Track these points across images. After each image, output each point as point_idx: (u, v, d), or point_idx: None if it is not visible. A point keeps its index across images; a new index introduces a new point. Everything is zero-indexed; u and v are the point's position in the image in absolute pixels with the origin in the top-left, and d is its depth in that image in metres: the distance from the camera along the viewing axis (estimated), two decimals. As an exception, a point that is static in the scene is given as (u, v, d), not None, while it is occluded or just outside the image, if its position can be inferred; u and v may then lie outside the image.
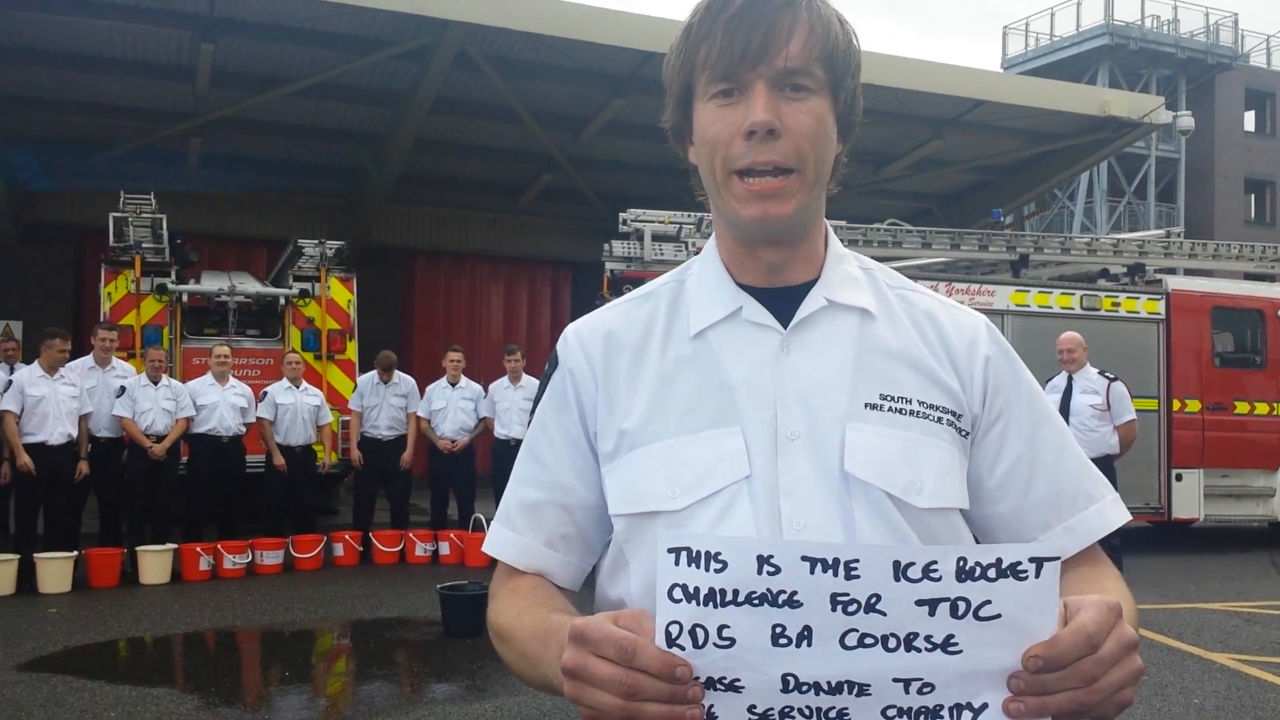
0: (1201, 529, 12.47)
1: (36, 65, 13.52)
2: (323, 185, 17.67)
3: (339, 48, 13.28)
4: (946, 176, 18.92)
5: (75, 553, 9.00)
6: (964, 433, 1.25)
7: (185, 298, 12.00)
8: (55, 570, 8.72)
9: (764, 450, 1.20)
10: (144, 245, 11.73)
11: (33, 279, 16.77)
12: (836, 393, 1.22)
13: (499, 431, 10.59)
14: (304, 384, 10.66)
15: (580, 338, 1.35)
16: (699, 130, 1.26)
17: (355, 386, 11.10)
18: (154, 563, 9.19)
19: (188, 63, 13.53)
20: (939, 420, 1.23)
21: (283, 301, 12.37)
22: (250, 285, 12.60)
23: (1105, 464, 7.77)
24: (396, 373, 10.80)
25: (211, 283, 12.42)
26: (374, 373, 10.79)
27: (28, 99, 14.47)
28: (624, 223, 11.81)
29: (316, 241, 12.50)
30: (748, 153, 1.19)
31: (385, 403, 10.72)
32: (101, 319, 11.28)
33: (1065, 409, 7.87)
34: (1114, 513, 1.29)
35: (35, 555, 8.77)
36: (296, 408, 10.36)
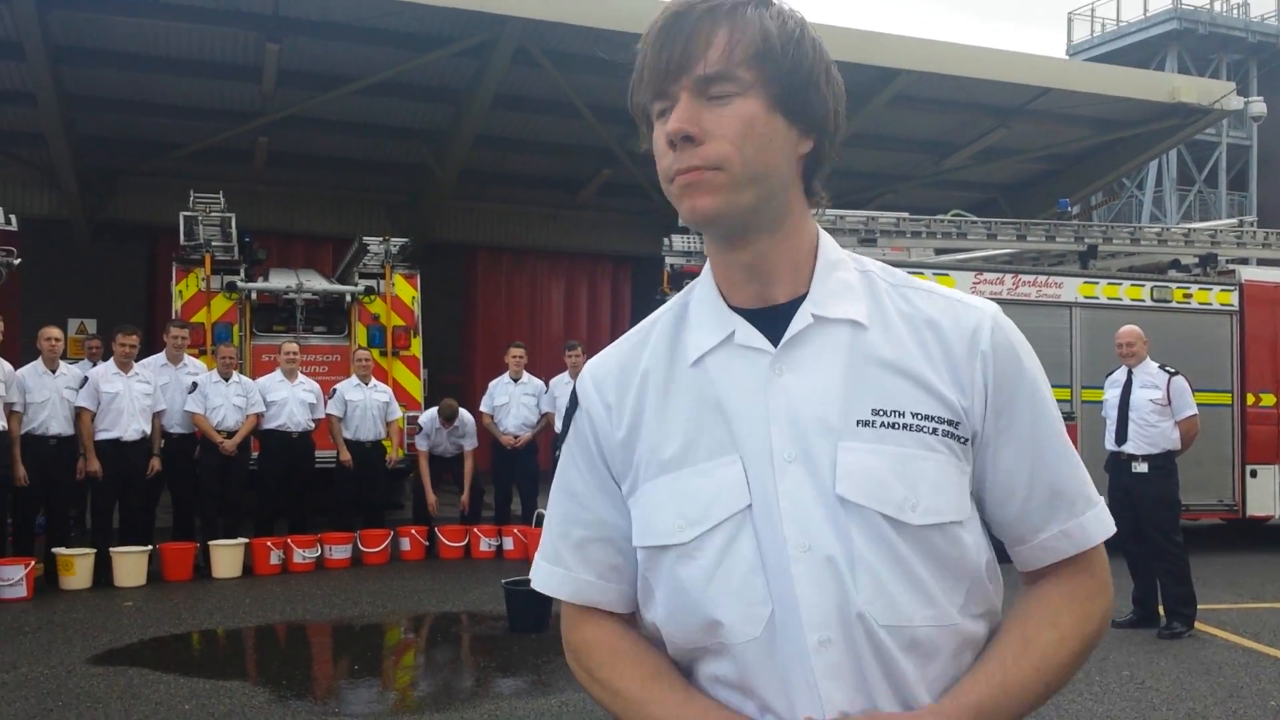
0: (1277, 526, 12.16)
1: (108, 67, 13.83)
2: (386, 182, 17.88)
3: (400, 45, 13.41)
4: (1011, 166, 18.63)
5: (150, 547, 9.21)
6: (963, 439, 1.24)
7: (254, 295, 12.23)
8: (130, 564, 8.93)
9: (762, 476, 1.22)
10: (214, 243, 11.95)
11: (105, 277, 17.17)
12: (828, 411, 1.22)
13: (560, 427, 10.62)
14: (373, 381, 10.81)
15: (594, 378, 1.38)
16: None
17: (419, 422, 11.14)
18: (226, 557, 9.39)
19: (254, 63, 13.76)
20: (933, 431, 1.22)
21: (349, 298, 12.54)
22: (317, 282, 12.80)
23: (1167, 460, 7.63)
24: (460, 414, 10.89)
25: (279, 280, 12.63)
26: (435, 414, 10.88)
27: (99, 100, 14.82)
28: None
29: (381, 239, 12.64)
30: (675, 161, 1.22)
31: (446, 442, 10.90)
32: (173, 316, 11.53)
33: (1125, 404, 7.74)
34: (1108, 521, 1.30)
35: (111, 550, 8.98)
36: (366, 404, 10.51)
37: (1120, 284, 11.28)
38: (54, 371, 8.99)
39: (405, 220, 17.63)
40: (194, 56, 13.83)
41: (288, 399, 10.16)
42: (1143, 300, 11.19)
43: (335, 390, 10.54)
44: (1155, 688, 6.09)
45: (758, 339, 1.26)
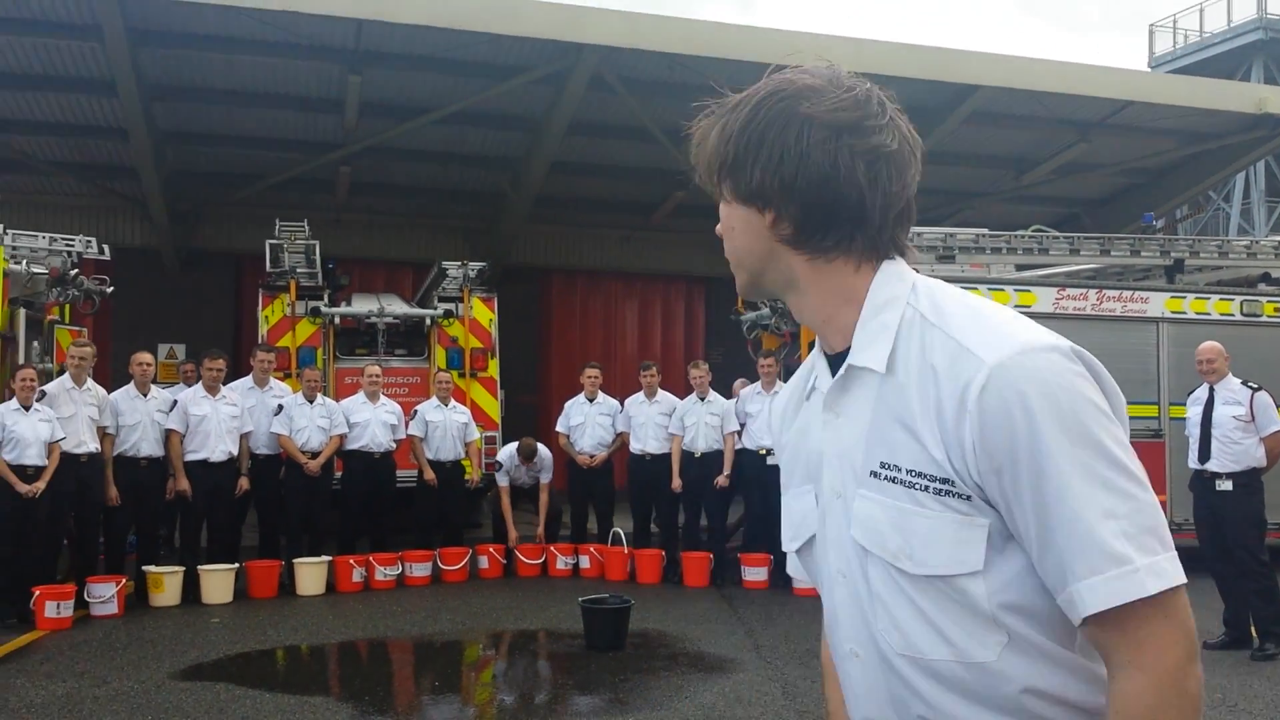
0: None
1: (196, 102, 14.30)
2: (464, 209, 18.17)
3: (478, 75, 13.64)
4: (1093, 181, 18.28)
5: (236, 565, 9.42)
6: (965, 496, 1.22)
7: (337, 320, 12.51)
8: (218, 582, 9.14)
9: (822, 506, 1.39)
10: (298, 270, 12.25)
11: (193, 304, 17.68)
12: (855, 458, 1.31)
13: (634, 446, 10.67)
14: (452, 402, 10.96)
15: (778, 404, 1.59)
16: None
17: (499, 458, 11.19)
18: (310, 574, 9.58)
19: (337, 95, 14.11)
20: (925, 489, 1.23)
21: (428, 322, 12.76)
22: (398, 307, 13.04)
23: (1251, 477, 7.41)
24: (538, 451, 11.00)
25: (361, 305, 12.90)
26: (515, 451, 10.99)
27: (188, 134, 15.32)
28: (758, 237, 11.78)
29: (459, 263, 12.86)
30: None
31: (525, 476, 11.04)
32: (259, 341, 11.84)
33: (1207, 421, 7.55)
34: (1107, 589, 1.14)
35: (199, 568, 9.20)
36: (446, 425, 10.66)
37: (1208, 298, 10.98)
38: (145, 395, 9.28)
39: (482, 245, 17.88)
40: (279, 90, 14.23)
41: (370, 420, 10.34)
42: (1232, 315, 10.88)
43: (416, 411, 10.71)
44: (1248, 710, 5.90)
45: (825, 382, 1.38)
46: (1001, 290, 10.47)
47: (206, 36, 12.65)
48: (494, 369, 12.80)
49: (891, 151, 1.33)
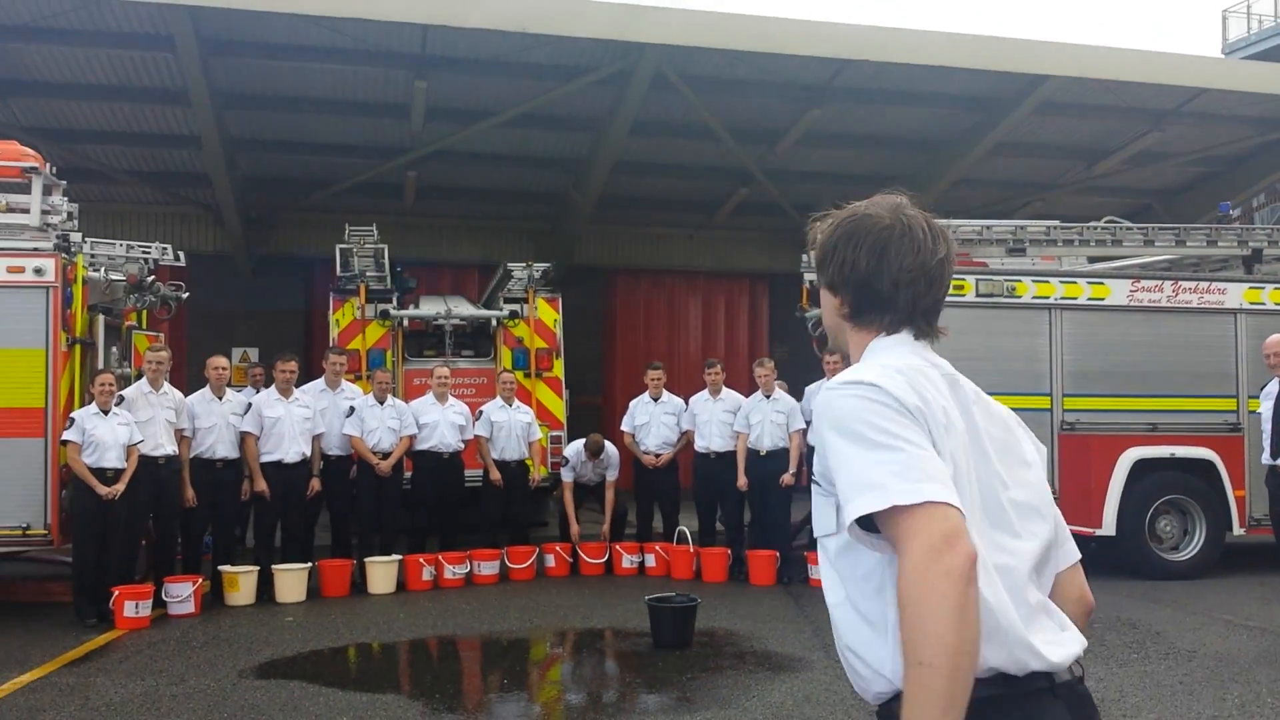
0: None
1: (266, 110, 14.58)
2: (528, 210, 18.30)
3: (541, 77, 13.72)
4: (1166, 170, 17.84)
5: (309, 564, 9.60)
6: (829, 486, 1.80)
7: (405, 322, 12.68)
8: (291, 581, 9.31)
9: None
10: (368, 274, 12.42)
11: (266, 308, 18.03)
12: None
13: (699, 444, 10.65)
14: (516, 402, 11.04)
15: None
16: None
17: (565, 454, 11.26)
18: (381, 573, 9.71)
19: (403, 100, 14.29)
20: (817, 484, 1.85)
21: (494, 323, 12.87)
22: (464, 308, 13.17)
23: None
24: (605, 448, 11.04)
25: (429, 307, 13.06)
26: (582, 447, 11.04)
27: (259, 141, 15.63)
28: (822, 233, 11.67)
29: (524, 264, 12.94)
30: None
31: (591, 472, 11.10)
32: (330, 344, 12.03)
33: (1278, 416, 7.31)
34: (852, 505, 1.67)
35: (273, 567, 9.39)
36: (510, 425, 10.74)
37: (1289, 289, 10.66)
38: (220, 398, 9.48)
39: (546, 246, 17.98)
40: (347, 97, 14.45)
41: (439, 421, 10.45)
42: (1315, 305, 10.56)
43: (481, 412, 10.80)
44: None
45: None
46: (1074, 283, 10.28)
47: (276, 45, 12.90)
48: (559, 369, 12.87)
49: (922, 262, 1.88)
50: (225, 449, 9.41)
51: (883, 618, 1.73)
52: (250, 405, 9.62)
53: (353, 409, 10.12)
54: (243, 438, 9.50)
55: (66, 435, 8.41)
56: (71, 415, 8.54)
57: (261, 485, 9.45)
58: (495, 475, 10.52)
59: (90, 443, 8.40)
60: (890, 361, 1.84)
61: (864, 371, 1.82)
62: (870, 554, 1.74)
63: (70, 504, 8.58)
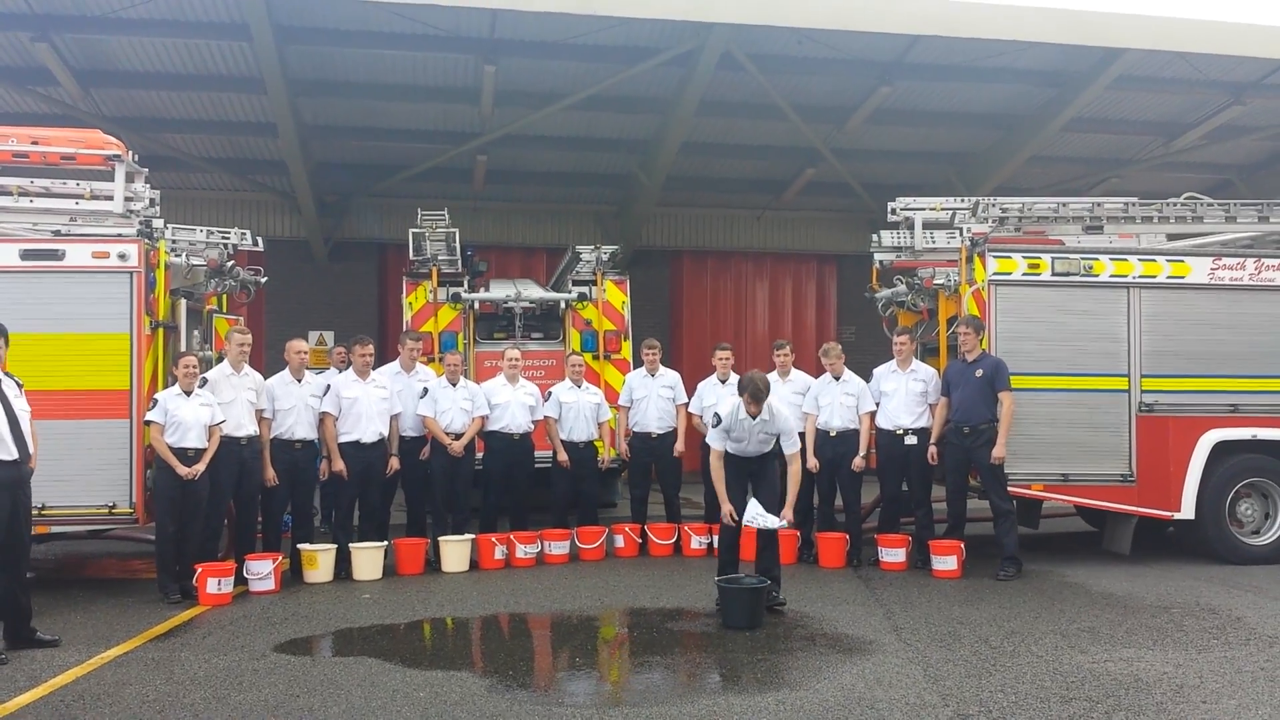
0: None
1: (340, 97, 14.81)
2: (595, 193, 18.36)
3: (609, 60, 13.74)
4: (1247, 145, 17.32)
5: (385, 543, 9.78)
6: (773, 433, 8.08)
7: (476, 305, 12.83)
8: (368, 559, 9.48)
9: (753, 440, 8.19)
10: (440, 258, 12.58)
11: (341, 292, 18.35)
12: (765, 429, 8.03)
13: None
14: (585, 383, 11.10)
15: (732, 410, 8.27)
16: None
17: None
18: (454, 552, 9.86)
19: (473, 85, 14.41)
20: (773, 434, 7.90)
21: (563, 305, 12.96)
22: (534, 291, 13.28)
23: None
24: (661, 366, 11.03)
25: (499, 290, 13.19)
26: (642, 369, 11.08)
27: (333, 128, 15.89)
28: (893, 212, 11.57)
29: (593, 247, 13.01)
30: None
31: (654, 394, 10.99)
32: (404, 327, 12.22)
33: None
34: (791, 444, 8.03)
35: (351, 546, 9.59)
36: (579, 406, 10.80)
37: (1378, 265, 10.31)
38: (300, 381, 9.67)
39: (614, 228, 18.06)
40: (418, 82, 14.63)
41: (510, 402, 10.55)
42: (1404, 282, 10.20)
43: (550, 393, 10.88)
44: None
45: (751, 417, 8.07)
46: (1153, 261, 10.05)
47: (348, 32, 13.09)
48: (627, 351, 12.93)
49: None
50: (304, 430, 9.60)
51: None
52: (329, 387, 9.80)
53: (426, 390, 10.26)
54: (321, 418, 9.69)
55: (150, 416, 8.64)
56: (155, 396, 8.76)
57: (339, 465, 9.63)
58: (563, 457, 10.60)
59: (173, 423, 8.62)
60: None
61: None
62: None
63: (153, 483, 8.83)
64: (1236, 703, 5.69)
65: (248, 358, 9.37)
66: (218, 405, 8.90)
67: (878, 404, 10.14)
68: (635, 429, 10.96)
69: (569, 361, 11.27)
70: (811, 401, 10.27)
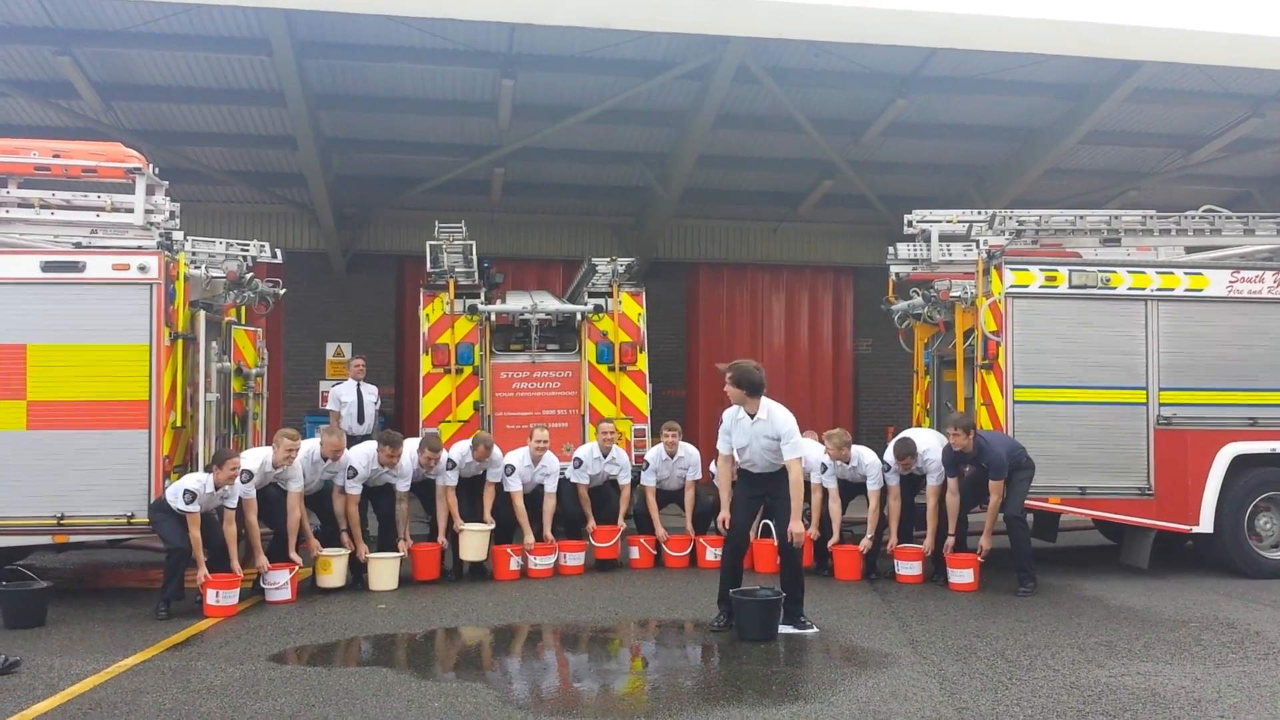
0: None
1: (359, 110, 14.91)
2: (612, 205, 18.40)
3: (626, 73, 13.80)
4: (1267, 157, 17.23)
5: (401, 554, 9.77)
6: (775, 438, 7.77)
7: (493, 317, 12.87)
8: (384, 570, 9.49)
9: (751, 446, 7.95)
10: (457, 270, 12.63)
11: (358, 303, 18.42)
12: (763, 435, 7.83)
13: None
14: (612, 451, 10.96)
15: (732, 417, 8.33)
16: None
17: (647, 458, 11.05)
18: (472, 541, 9.92)
19: (490, 98, 14.49)
20: (775, 440, 7.77)
21: (579, 317, 12.98)
22: (550, 303, 13.32)
23: None
24: (680, 445, 10.97)
25: (515, 302, 13.23)
26: (661, 449, 10.92)
27: (353, 141, 15.98)
28: (909, 224, 11.56)
29: (609, 259, 13.04)
30: None
31: (672, 474, 10.98)
32: (421, 339, 12.27)
33: None
34: (791, 450, 7.75)
35: (367, 556, 9.57)
36: (599, 477, 10.92)
37: (1398, 279, 10.25)
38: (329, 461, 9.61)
39: (630, 240, 18.08)
40: (436, 96, 14.72)
41: (529, 482, 10.44)
42: None
43: (579, 460, 10.79)
44: None
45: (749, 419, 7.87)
46: (1171, 274, 10.01)
47: (367, 46, 13.18)
48: (643, 363, 12.94)
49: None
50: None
51: None
52: (354, 470, 9.64)
53: (452, 463, 10.12)
54: (346, 500, 9.68)
55: (184, 507, 8.51)
56: (191, 490, 8.56)
57: (363, 551, 9.65)
58: (591, 525, 10.66)
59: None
60: None
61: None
62: None
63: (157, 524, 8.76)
64: (1255, 717, 5.65)
65: (292, 462, 9.22)
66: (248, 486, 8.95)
67: (888, 467, 10.00)
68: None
69: (601, 429, 11.17)
70: (831, 480, 10.16)
